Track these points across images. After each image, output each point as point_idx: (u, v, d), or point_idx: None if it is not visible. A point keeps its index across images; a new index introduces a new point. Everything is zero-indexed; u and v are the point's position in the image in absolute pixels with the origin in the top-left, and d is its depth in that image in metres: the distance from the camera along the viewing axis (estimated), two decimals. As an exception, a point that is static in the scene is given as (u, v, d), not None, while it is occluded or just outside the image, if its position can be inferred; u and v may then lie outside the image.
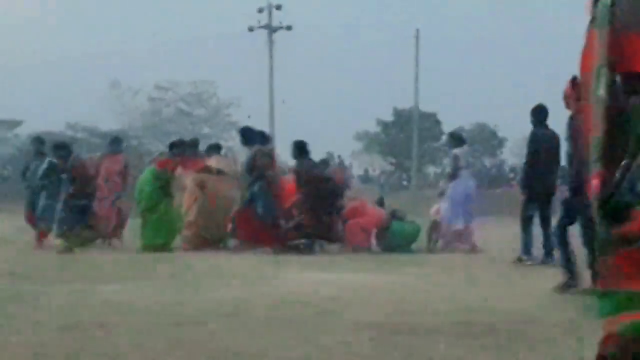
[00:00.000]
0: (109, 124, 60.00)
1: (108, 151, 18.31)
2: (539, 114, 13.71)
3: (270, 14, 53.39)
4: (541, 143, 13.52)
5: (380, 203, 17.54)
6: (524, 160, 14.17)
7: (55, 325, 7.14)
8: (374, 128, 64.82)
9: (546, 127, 13.61)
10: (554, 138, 13.55)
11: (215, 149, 18.64)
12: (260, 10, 53.31)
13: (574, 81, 9.04)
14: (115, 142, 18.54)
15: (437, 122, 62.47)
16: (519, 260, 13.45)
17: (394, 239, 16.10)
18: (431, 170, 60.88)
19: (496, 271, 12.41)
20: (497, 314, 7.96)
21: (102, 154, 18.55)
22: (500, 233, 19.57)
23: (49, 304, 8.49)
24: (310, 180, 15.83)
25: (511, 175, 46.66)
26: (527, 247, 13.58)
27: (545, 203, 13.74)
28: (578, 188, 9.72)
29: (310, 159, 16.34)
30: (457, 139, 17.48)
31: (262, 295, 9.15)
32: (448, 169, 18.56)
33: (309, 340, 6.57)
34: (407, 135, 58.06)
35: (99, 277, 11.20)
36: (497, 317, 7.75)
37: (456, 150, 16.98)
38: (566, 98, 9.58)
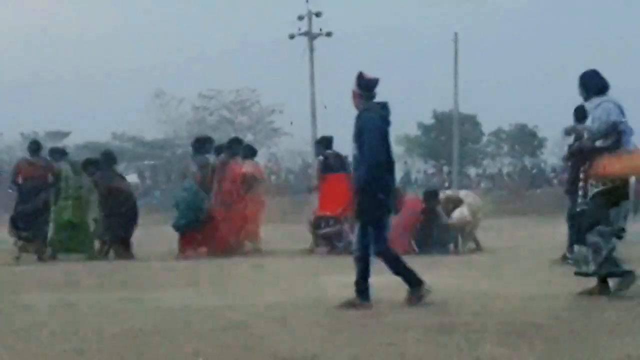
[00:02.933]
0: (154, 134, 60.48)
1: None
2: (582, 113, 13.82)
3: (310, 21, 53.44)
4: None
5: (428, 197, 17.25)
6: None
7: (109, 333, 7.26)
8: (414, 131, 64.63)
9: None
10: None
11: (249, 150, 18.62)
12: (301, 18, 53.38)
13: None
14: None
15: (477, 124, 62.17)
16: (564, 258, 13.49)
17: (429, 241, 16.17)
18: (472, 171, 60.56)
19: (538, 270, 12.42)
20: (541, 312, 8.01)
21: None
22: (541, 232, 19.54)
23: (101, 311, 8.60)
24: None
25: (552, 174, 46.34)
26: (573, 245, 13.62)
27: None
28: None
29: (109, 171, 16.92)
30: None
31: (307, 299, 9.24)
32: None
33: (356, 342, 6.66)
34: (448, 137, 57.86)
35: (144, 284, 11.34)
36: (541, 316, 7.81)
37: None
38: None
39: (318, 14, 53.20)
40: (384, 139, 8.85)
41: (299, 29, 53.47)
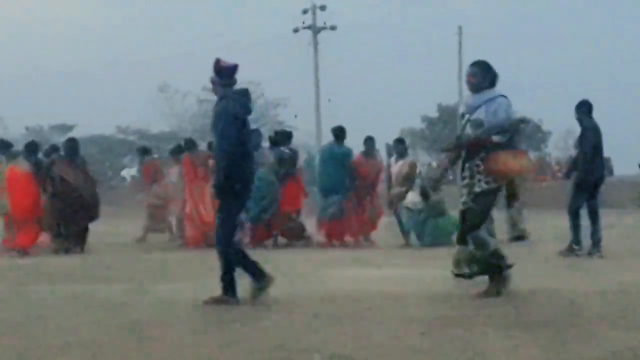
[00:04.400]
0: (159, 127, 60.53)
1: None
2: (586, 107, 13.92)
3: (314, 14, 53.47)
4: (596, 135, 13.77)
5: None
6: (579, 151, 14.20)
7: (112, 325, 7.29)
8: (419, 125, 64.68)
9: (593, 119, 13.84)
10: (600, 130, 13.82)
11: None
12: (305, 12, 53.40)
13: None
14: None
15: (481, 118, 62.29)
16: (570, 250, 13.57)
17: (433, 233, 16.26)
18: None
19: (544, 263, 12.45)
20: (548, 305, 8.07)
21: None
22: (547, 225, 19.54)
23: (105, 303, 8.63)
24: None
25: (556, 167, 46.26)
26: (577, 237, 13.70)
27: (594, 194, 13.90)
28: None
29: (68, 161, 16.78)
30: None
31: (312, 292, 9.26)
32: None
33: (360, 335, 6.68)
34: (452, 130, 57.80)
35: (149, 276, 11.36)
36: (547, 308, 7.86)
37: None
38: None
39: (322, 8, 53.18)
40: (242, 127, 8.59)
41: (304, 23, 53.50)
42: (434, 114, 64.05)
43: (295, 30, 53.35)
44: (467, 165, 8.87)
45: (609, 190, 37.37)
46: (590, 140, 13.79)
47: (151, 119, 60.79)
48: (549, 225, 19.56)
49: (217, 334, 6.85)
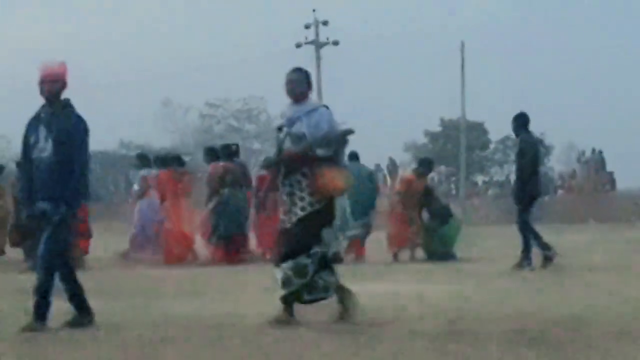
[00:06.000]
0: (162, 142, 60.69)
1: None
2: (523, 120, 14.02)
3: (317, 30, 53.58)
4: (534, 148, 13.90)
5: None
6: (517, 167, 14.33)
7: (118, 341, 7.29)
8: (421, 139, 64.76)
9: (530, 133, 13.97)
10: (537, 144, 14.02)
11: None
12: (307, 27, 53.47)
13: None
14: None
15: (485, 132, 62.30)
16: (522, 265, 13.68)
17: (439, 242, 16.48)
18: (479, 179, 60.54)
19: (543, 278, 12.45)
20: (549, 320, 8.04)
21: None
22: (549, 239, 19.51)
23: (110, 320, 8.56)
24: None
25: (559, 182, 46.32)
26: (544, 246, 13.79)
27: (530, 207, 14.06)
28: None
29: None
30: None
31: (318, 307, 9.23)
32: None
33: (364, 349, 6.68)
34: (455, 145, 57.90)
35: (151, 292, 11.31)
36: (549, 323, 7.84)
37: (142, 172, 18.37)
38: None
39: (325, 23, 53.28)
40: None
41: (306, 38, 53.58)
42: (436, 128, 64.14)
43: (298, 46, 53.43)
44: (287, 181, 8.29)
45: (613, 204, 37.53)
46: (528, 155, 13.86)
47: (154, 134, 61.01)
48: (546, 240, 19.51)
49: (219, 351, 6.84)
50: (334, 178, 8.15)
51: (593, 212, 35.85)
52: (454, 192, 54.69)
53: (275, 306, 8.17)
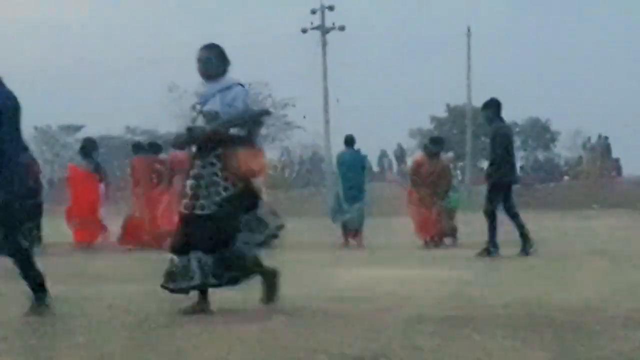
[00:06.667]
0: (167, 127, 60.77)
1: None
2: (495, 106, 14.00)
3: (323, 15, 53.58)
4: (509, 135, 13.91)
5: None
6: (490, 153, 14.35)
7: (121, 325, 7.29)
8: (427, 125, 64.85)
9: (502, 119, 13.97)
10: (511, 130, 14.07)
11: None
12: (313, 12, 53.53)
13: None
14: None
15: (490, 118, 62.44)
16: (486, 252, 13.67)
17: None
18: (485, 165, 60.75)
19: (551, 263, 12.45)
20: (555, 306, 8.03)
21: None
22: (554, 225, 19.55)
23: (113, 303, 8.60)
24: None
25: (565, 168, 46.37)
26: (493, 239, 13.77)
27: (507, 196, 14.05)
28: None
29: None
30: None
31: (320, 292, 9.25)
32: None
33: (368, 335, 6.66)
34: (461, 131, 58.00)
35: (154, 276, 11.29)
36: (555, 309, 7.82)
37: None
38: None
39: (331, 8, 53.33)
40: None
41: (312, 23, 53.67)
42: (443, 114, 64.22)
43: (304, 31, 53.50)
44: (198, 162, 7.91)
45: (618, 191, 37.49)
46: (501, 141, 13.83)
47: (160, 120, 61.18)
48: (551, 226, 19.54)
49: (224, 334, 6.83)
50: (248, 160, 7.80)
51: (599, 198, 35.84)
52: (460, 178, 54.68)
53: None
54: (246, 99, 8.03)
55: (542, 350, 6.02)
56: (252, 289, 8.28)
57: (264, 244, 8.04)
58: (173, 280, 7.87)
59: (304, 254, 14.66)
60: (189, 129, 7.94)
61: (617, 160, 41.65)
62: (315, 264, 12.82)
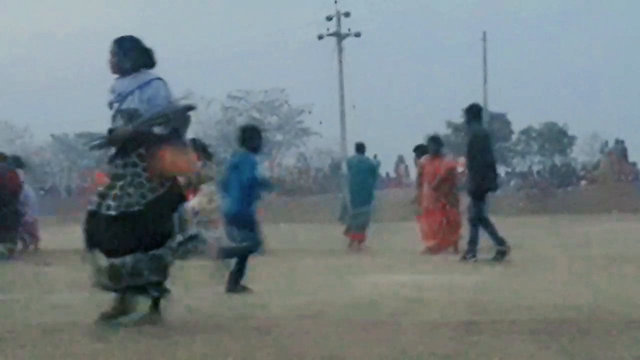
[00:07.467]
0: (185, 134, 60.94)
1: None
2: (475, 111, 13.98)
3: (339, 21, 53.64)
4: (483, 140, 13.83)
5: None
6: (468, 159, 14.29)
7: (138, 332, 7.27)
8: (443, 130, 64.75)
9: (481, 124, 13.93)
10: (489, 135, 13.99)
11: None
12: (329, 19, 53.59)
13: None
14: None
15: (507, 123, 62.28)
16: (498, 257, 13.63)
17: None
18: (502, 170, 60.59)
19: (569, 268, 12.44)
20: (571, 310, 8.03)
21: None
22: (572, 230, 19.50)
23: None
24: None
25: (582, 173, 46.25)
26: (498, 241, 13.74)
27: (483, 199, 14.05)
28: None
29: None
30: None
31: (338, 299, 9.25)
32: None
33: (386, 341, 6.68)
34: (477, 136, 57.92)
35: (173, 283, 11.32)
36: (571, 313, 7.83)
37: None
38: None
39: (347, 15, 53.38)
40: None
41: (328, 30, 53.69)
42: (459, 119, 64.03)
43: (320, 37, 53.52)
44: (119, 162, 7.50)
45: (636, 195, 37.36)
46: (478, 146, 13.79)
47: (177, 126, 61.31)
48: (569, 231, 19.48)
49: (241, 340, 6.84)
50: (174, 159, 7.45)
51: (616, 202, 35.75)
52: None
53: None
54: (168, 94, 7.62)
55: (559, 355, 6.03)
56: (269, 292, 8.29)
57: (177, 251, 7.69)
58: (101, 281, 7.52)
59: (316, 260, 14.66)
60: (110, 131, 7.55)
61: (634, 165, 41.53)
62: (329, 269, 12.82)
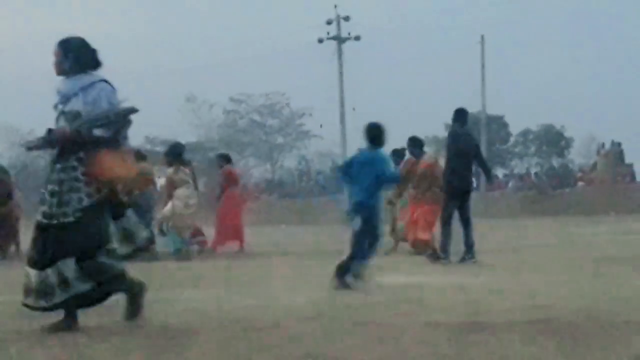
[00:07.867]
0: (186, 137, 61.05)
1: None
2: (460, 115, 14.17)
3: (339, 25, 53.81)
4: (463, 142, 13.96)
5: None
6: (445, 160, 14.46)
7: (143, 331, 7.34)
8: (442, 132, 64.74)
9: (463, 127, 14.06)
10: (471, 137, 14.10)
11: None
12: (329, 22, 53.80)
13: None
14: None
15: (505, 125, 62.24)
16: (435, 257, 13.78)
17: None
18: (500, 172, 60.55)
19: (565, 269, 12.46)
20: (571, 311, 8.08)
21: None
22: (569, 232, 19.54)
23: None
24: None
25: (579, 174, 46.27)
26: (445, 246, 13.88)
27: (464, 201, 14.10)
28: None
29: None
30: None
31: (339, 299, 9.31)
32: None
33: (387, 341, 6.72)
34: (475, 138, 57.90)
35: (173, 284, 11.34)
36: (570, 314, 7.88)
37: None
38: None
39: (347, 18, 53.60)
40: None
41: (328, 33, 53.94)
42: (457, 122, 64.14)
43: (320, 41, 53.72)
44: (58, 166, 7.29)
45: (633, 197, 37.42)
46: (454, 148, 13.98)
47: (179, 130, 61.29)
48: (573, 232, 19.51)
49: (245, 341, 6.89)
50: (114, 163, 7.26)
51: (613, 204, 35.79)
52: (474, 184, 54.70)
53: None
54: (111, 97, 7.43)
55: (559, 355, 6.09)
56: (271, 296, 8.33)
57: (131, 256, 7.55)
58: (32, 297, 7.28)
59: (319, 261, 14.76)
60: (49, 131, 7.38)
61: (630, 166, 41.55)
62: (330, 270, 12.91)
